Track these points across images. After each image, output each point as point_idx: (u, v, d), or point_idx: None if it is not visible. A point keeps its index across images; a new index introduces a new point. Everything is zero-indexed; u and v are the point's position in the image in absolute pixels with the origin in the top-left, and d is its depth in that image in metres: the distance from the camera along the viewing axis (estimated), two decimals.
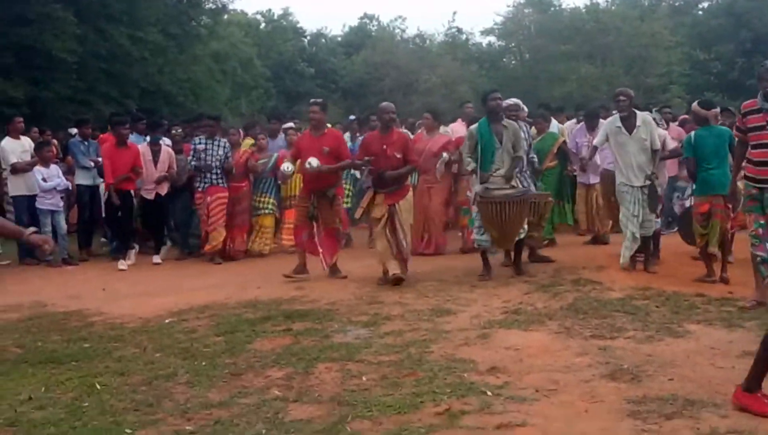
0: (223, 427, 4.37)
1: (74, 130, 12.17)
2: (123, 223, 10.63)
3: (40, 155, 10.84)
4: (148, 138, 11.22)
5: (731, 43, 32.14)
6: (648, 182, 8.38)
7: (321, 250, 8.80)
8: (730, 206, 7.97)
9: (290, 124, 12.17)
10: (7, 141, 10.93)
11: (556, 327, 6.31)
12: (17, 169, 10.62)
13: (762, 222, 6.69)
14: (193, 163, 10.61)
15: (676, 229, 10.11)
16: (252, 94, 32.46)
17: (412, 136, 10.41)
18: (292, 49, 37.37)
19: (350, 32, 42.64)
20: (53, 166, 10.99)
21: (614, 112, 11.17)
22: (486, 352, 5.65)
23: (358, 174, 11.24)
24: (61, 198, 11.00)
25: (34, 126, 12.78)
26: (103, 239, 11.91)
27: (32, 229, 4.54)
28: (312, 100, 9.33)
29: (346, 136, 12.58)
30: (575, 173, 10.87)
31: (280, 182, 10.87)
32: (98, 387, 5.16)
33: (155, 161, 10.78)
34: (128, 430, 4.38)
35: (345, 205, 11.08)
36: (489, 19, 53.38)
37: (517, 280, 8.36)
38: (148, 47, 20.41)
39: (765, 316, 6.44)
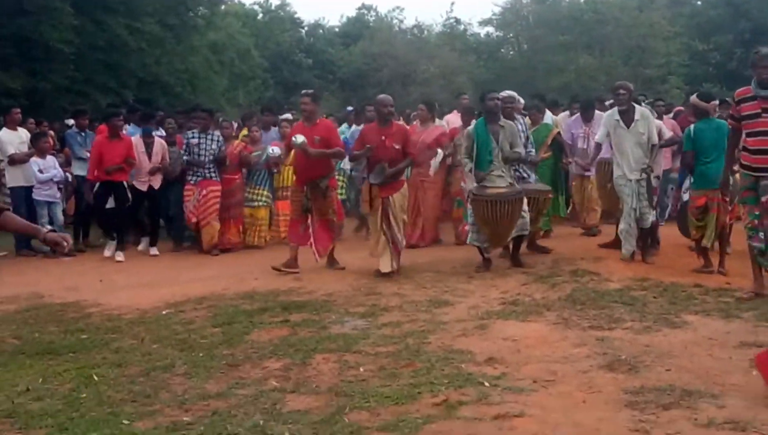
0: (220, 418, 4.37)
1: (71, 122, 12.14)
2: (117, 216, 10.57)
3: (37, 146, 10.82)
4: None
5: (730, 33, 32.07)
6: (644, 175, 8.38)
7: (313, 242, 8.78)
8: (728, 199, 7.97)
9: (287, 116, 12.15)
10: (5, 132, 10.92)
11: (554, 318, 6.32)
12: (15, 160, 10.61)
13: (757, 213, 6.69)
14: (185, 157, 10.56)
15: (665, 221, 10.19)
16: (249, 85, 32.34)
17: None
18: (289, 39, 37.21)
19: (348, 23, 42.46)
20: (50, 158, 10.98)
21: (608, 103, 11.20)
22: (484, 343, 5.65)
23: (347, 166, 11.22)
24: (59, 189, 10.98)
25: (31, 117, 12.76)
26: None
27: (49, 227, 4.32)
28: (303, 92, 9.32)
29: (344, 126, 12.59)
30: (571, 164, 10.85)
31: (275, 171, 10.86)
32: (95, 378, 5.16)
33: (148, 153, 10.69)
34: (125, 421, 4.38)
35: (340, 197, 11.08)
36: (487, 10, 53.05)
37: (515, 271, 8.37)
38: (146, 38, 20.32)
39: (762, 307, 6.46)
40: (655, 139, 8.52)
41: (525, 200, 8.41)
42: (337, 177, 10.63)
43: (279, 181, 11.07)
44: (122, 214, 10.52)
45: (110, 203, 10.41)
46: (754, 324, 6.00)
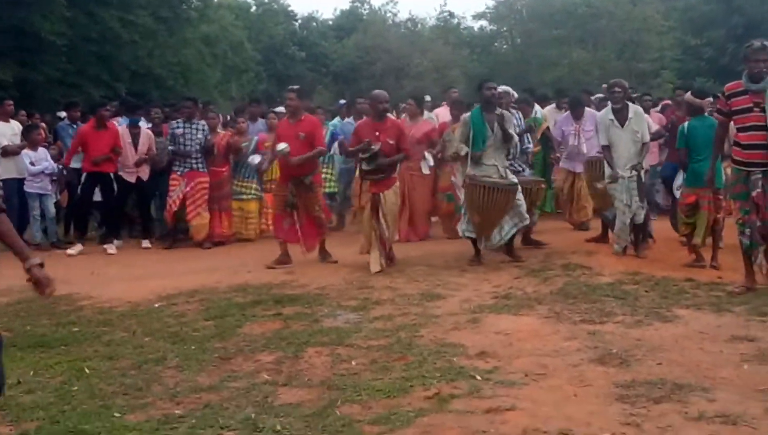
0: (212, 410, 4.37)
1: (63, 114, 12.08)
2: (104, 208, 10.52)
3: (29, 138, 10.76)
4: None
5: (723, 28, 32.04)
6: (634, 172, 8.39)
7: (300, 237, 8.77)
8: (721, 197, 7.98)
9: (281, 109, 12.10)
10: None
11: (546, 311, 6.33)
12: (7, 152, 10.55)
13: (747, 208, 6.70)
14: (170, 148, 10.48)
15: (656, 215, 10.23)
16: (242, 78, 32.29)
17: None
18: (282, 32, 37.09)
19: (341, 16, 42.38)
20: (41, 150, 10.92)
21: (594, 97, 11.20)
22: (475, 337, 5.66)
23: (338, 158, 11.21)
24: (52, 181, 10.94)
25: (22, 109, 12.69)
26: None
27: (38, 259, 3.84)
28: (289, 88, 9.26)
29: (336, 119, 12.56)
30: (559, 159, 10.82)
31: (263, 168, 10.84)
32: (87, 371, 5.16)
33: (135, 144, 10.60)
34: (117, 414, 4.37)
35: (329, 190, 11.07)
36: (481, 3, 53.28)
37: (507, 265, 8.38)
38: (138, 30, 20.28)
39: (754, 301, 6.48)
40: (647, 138, 8.54)
41: (519, 189, 8.43)
42: (324, 169, 10.63)
43: (268, 174, 11.03)
44: (110, 207, 10.47)
45: (97, 196, 10.37)
46: (745, 318, 6.02)
